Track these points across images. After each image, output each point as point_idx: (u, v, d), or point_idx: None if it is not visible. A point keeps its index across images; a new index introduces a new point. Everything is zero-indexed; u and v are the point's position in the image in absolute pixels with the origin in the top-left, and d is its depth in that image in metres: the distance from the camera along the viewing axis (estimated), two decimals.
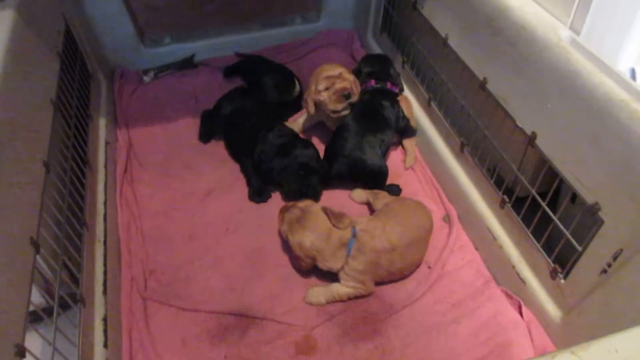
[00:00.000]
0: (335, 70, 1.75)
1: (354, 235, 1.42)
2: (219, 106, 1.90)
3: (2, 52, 1.23)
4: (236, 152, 1.86)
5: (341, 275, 1.44)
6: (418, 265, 1.52)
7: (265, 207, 1.70)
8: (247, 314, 1.43)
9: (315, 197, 1.67)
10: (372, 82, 1.83)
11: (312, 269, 1.48)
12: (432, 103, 1.76)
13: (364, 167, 1.67)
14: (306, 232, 1.41)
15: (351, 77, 1.78)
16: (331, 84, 1.73)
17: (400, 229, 1.44)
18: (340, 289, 1.44)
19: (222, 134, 1.91)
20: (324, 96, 1.73)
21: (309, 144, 1.72)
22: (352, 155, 1.67)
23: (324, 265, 1.43)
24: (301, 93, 2.04)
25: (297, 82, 2.04)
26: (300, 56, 2.31)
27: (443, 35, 1.60)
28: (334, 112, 1.74)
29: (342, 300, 1.44)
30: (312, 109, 1.78)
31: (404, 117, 1.81)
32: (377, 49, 2.18)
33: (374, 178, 1.69)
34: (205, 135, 1.94)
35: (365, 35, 2.28)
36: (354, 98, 1.74)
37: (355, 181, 1.71)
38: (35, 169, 1.23)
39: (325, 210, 1.45)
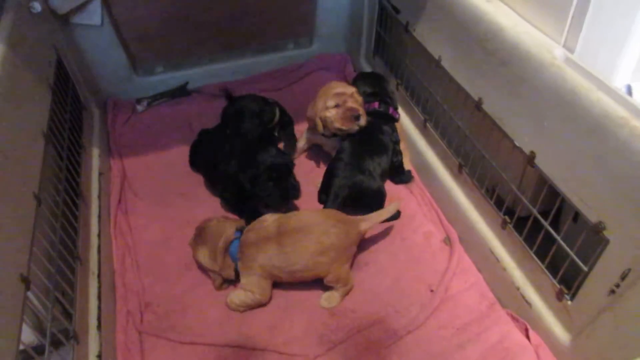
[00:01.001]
0: (348, 88, 1.72)
1: (238, 236, 1.46)
2: (199, 144, 1.91)
3: None
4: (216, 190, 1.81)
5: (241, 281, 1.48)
6: (330, 264, 1.43)
7: None
8: (246, 346, 1.39)
9: (298, 194, 1.64)
10: (376, 104, 1.81)
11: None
12: (427, 124, 1.75)
13: (362, 190, 1.64)
14: (200, 247, 1.49)
15: (361, 100, 1.75)
16: (342, 102, 1.69)
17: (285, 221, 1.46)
18: (234, 296, 1.47)
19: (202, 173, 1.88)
20: (332, 113, 1.69)
21: (265, 146, 1.69)
22: (351, 179, 1.64)
23: (224, 274, 1.48)
24: (285, 123, 2.01)
25: (276, 110, 1.97)
26: (293, 81, 2.32)
27: (436, 56, 1.60)
28: (339, 130, 1.71)
29: (247, 306, 1.46)
30: (320, 127, 1.74)
31: (400, 151, 1.80)
32: None
33: (372, 201, 1.67)
34: (195, 164, 1.92)
35: (358, 59, 2.28)
36: (362, 122, 1.69)
37: (354, 205, 1.68)
38: (26, 202, 1.20)
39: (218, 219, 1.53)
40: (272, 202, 1.64)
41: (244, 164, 1.65)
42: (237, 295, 1.46)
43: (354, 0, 2.20)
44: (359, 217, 1.51)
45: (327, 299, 1.48)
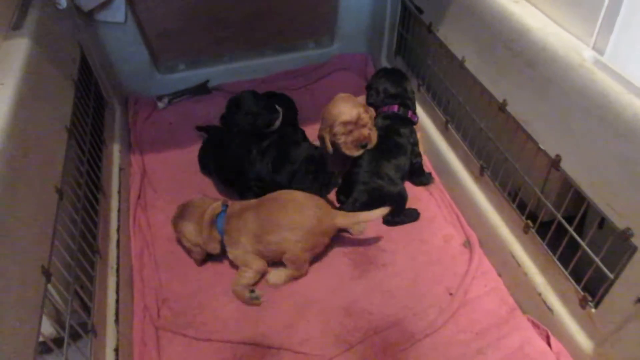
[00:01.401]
0: (353, 111, 1.63)
1: (224, 209, 1.52)
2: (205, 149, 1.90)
3: (18, 80, 1.22)
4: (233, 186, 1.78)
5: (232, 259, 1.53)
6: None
7: None
8: (262, 344, 1.38)
9: (336, 183, 1.64)
10: (395, 107, 1.79)
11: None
12: (449, 126, 1.73)
13: (382, 195, 1.63)
14: (185, 222, 1.52)
15: (368, 118, 1.67)
16: (348, 132, 1.65)
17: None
18: (235, 282, 1.50)
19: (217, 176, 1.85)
20: (341, 140, 1.66)
21: (297, 140, 1.68)
22: (371, 183, 1.63)
23: (209, 248, 1.51)
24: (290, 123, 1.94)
25: (277, 120, 1.87)
26: (313, 81, 2.31)
27: (460, 57, 1.58)
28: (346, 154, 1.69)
29: (249, 284, 1.50)
30: (330, 149, 1.70)
31: (419, 153, 1.79)
32: None
33: (393, 204, 1.65)
34: (205, 168, 1.90)
35: (379, 59, 2.27)
36: (371, 145, 1.67)
37: (372, 208, 1.66)
38: (48, 196, 1.21)
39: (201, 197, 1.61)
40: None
41: (277, 162, 1.62)
42: (237, 279, 1.50)
43: (376, 0, 2.19)
44: (340, 212, 1.57)
45: (275, 275, 1.53)
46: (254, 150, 1.67)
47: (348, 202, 1.65)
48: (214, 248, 1.52)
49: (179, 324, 1.43)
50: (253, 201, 1.55)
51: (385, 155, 1.68)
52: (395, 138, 1.73)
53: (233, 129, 1.85)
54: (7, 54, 1.30)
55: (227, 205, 1.55)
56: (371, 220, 1.58)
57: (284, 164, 1.61)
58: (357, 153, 1.68)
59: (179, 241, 1.59)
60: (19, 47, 1.33)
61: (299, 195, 1.53)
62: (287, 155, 1.61)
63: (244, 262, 1.51)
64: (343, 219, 1.53)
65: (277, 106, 1.89)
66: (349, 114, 1.64)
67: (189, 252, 1.58)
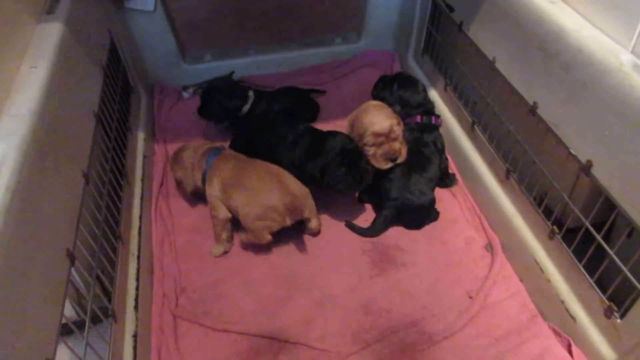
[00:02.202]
0: (385, 123, 1.58)
1: (220, 150, 1.65)
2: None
3: (50, 63, 1.23)
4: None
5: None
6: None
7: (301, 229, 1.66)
8: (279, 338, 1.38)
9: (370, 178, 1.57)
10: (418, 117, 1.76)
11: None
12: (475, 127, 1.70)
13: (412, 207, 1.61)
14: (184, 149, 1.68)
15: (400, 131, 1.63)
16: (379, 144, 1.59)
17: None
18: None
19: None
20: (370, 152, 1.61)
21: (329, 132, 1.62)
22: (401, 198, 1.60)
23: (195, 176, 1.63)
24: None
25: (248, 98, 1.95)
26: (339, 76, 2.30)
27: (490, 57, 1.56)
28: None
29: (221, 233, 1.59)
30: None
31: (446, 157, 1.77)
32: (417, 71, 2.14)
33: (422, 215, 1.65)
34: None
35: (405, 57, 2.25)
36: (401, 160, 1.62)
37: (401, 220, 1.66)
38: (75, 180, 1.22)
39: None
40: (345, 189, 1.57)
41: (310, 153, 1.58)
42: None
43: None
44: (311, 205, 1.57)
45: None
46: (289, 137, 1.65)
47: (378, 219, 1.63)
48: (197, 178, 1.63)
49: (197, 313, 1.44)
50: (243, 156, 1.65)
51: (416, 170, 1.64)
52: (423, 150, 1.69)
53: (211, 118, 1.97)
54: (40, 38, 1.31)
55: (224, 149, 1.68)
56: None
57: (317, 154, 1.56)
58: (385, 167, 1.62)
59: (174, 172, 1.71)
60: (52, 31, 1.34)
61: (280, 173, 1.55)
62: (321, 145, 1.56)
63: (213, 205, 1.59)
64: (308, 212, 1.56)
65: (249, 92, 1.96)
66: (381, 125, 1.59)
67: (179, 183, 1.70)
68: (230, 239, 1.62)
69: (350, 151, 1.54)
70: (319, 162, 1.55)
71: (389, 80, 1.89)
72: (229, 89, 1.95)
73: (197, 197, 1.74)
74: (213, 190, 1.58)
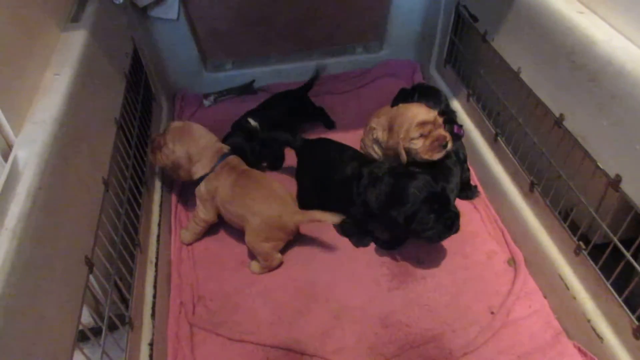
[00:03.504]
0: (430, 113, 1.55)
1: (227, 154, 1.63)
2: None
3: (74, 70, 1.24)
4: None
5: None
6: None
7: (319, 239, 1.64)
8: (295, 349, 1.36)
9: (459, 225, 1.46)
10: None
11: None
12: (499, 138, 1.67)
13: None
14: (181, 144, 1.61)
15: (441, 121, 1.59)
16: (427, 132, 1.54)
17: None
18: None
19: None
20: (418, 145, 1.54)
21: (408, 173, 1.47)
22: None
23: (202, 163, 1.59)
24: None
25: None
26: (360, 85, 2.29)
27: (515, 68, 1.53)
28: (424, 160, 1.57)
29: (199, 227, 1.63)
30: (404, 158, 1.58)
31: (468, 168, 1.74)
32: (440, 81, 2.12)
33: None
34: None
35: (427, 67, 2.23)
36: (450, 146, 1.56)
37: None
38: (95, 187, 1.23)
39: None
40: (434, 236, 1.46)
41: (392, 198, 1.44)
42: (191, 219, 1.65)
43: (429, 7, 2.15)
44: (298, 210, 1.57)
45: (254, 264, 1.57)
46: (365, 174, 1.52)
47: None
48: (195, 172, 1.60)
49: (214, 323, 1.43)
50: (245, 167, 1.62)
51: (438, 181, 1.56)
52: (445, 161, 1.63)
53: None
54: (64, 45, 1.33)
55: (231, 154, 1.65)
56: (325, 220, 1.53)
57: (401, 202, 1.42)
58: (438, 156, 1.55)
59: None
60: (76, 39, 1.35)
61: (274, 186, 1.59)
62: (404, 190, 1.42)
63: (203, 207, 1.60)
64: (301, 216, 1.55)
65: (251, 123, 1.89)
66: (426, 114, 1.55)
67: (177, 168, 1.62)
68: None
69: (439, 195, 1.42)
70: (404, 210, 1.40)
71: (409, 92, 1.86)
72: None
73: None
74: (208, 194, 1.58)
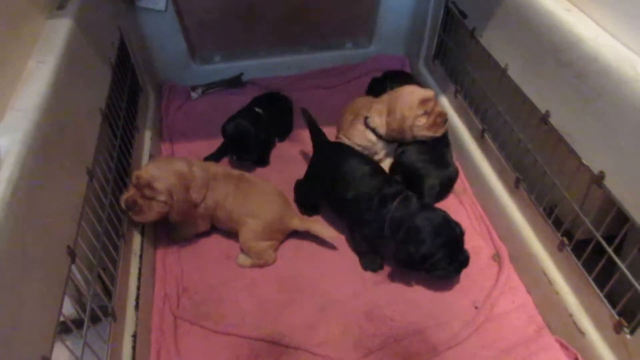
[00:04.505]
0: (428, 92, 1.65)
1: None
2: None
3: (58, 58, 1.22)
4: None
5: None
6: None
7: (306, 233, 1.64)
8: (280, 342, 1.36)
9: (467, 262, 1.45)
10: None
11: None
12: (485, 135, 1.68)
13: (450, 181, 1.75)
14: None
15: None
16: (430, 109, 1.62)
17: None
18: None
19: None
20: (422, 122, 1.63)
21: (428, 208, 1.43)
22: (441, 176, 1.70)
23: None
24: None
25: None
26: (348, 80, 2.28)
27: (502, 65, 1.53)
28: (426, 137, 1.68)
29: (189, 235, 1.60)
30: (410, 136, 1.67)
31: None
32: (428, 77, 2.12)
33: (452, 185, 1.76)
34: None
35: (416, 63, 2.23)
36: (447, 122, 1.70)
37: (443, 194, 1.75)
38: (78, 177, 1.21)
39: None
40: (442, 276, 1.44)
41: (408, 236, 1.39)
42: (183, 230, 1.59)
43: (418, 3, 2.15)
44: (297, 215, 1.62)
45: (242, 258, 1.56)
46: (388, 197, 1.44)
47: (426, 189, 1.67)
48: (197, 198, 1.51)
49: (198, 315, 1.42)
50: (238, 172, 1.61)
51: (443, 144, 1.74)
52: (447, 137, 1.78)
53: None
54: (49, 33, 1.30)
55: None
56: (321, 235, 1.57)
57: (417, 243, 1.37)
58: (441, 131, 1.67)
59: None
60: (62, 27, 1.33)
61: (273, 188, 1.62)
62: (424, 230, 1.37)
63: (201, 221, 1.57)
64: (299, 222, 1.58)
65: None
66: (425, 92, 1.64)
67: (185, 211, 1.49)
68: None
69: (456, 241, 1.40)
70: (422, 250, 1.37)
71: (380, 80, 1.98)
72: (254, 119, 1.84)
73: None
74: (207, 210, 1.55)
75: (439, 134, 1.68)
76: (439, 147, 1.72)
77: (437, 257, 1.37)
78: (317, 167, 1.66)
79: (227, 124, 1.83)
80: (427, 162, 1.69)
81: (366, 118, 1.74)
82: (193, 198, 1.49)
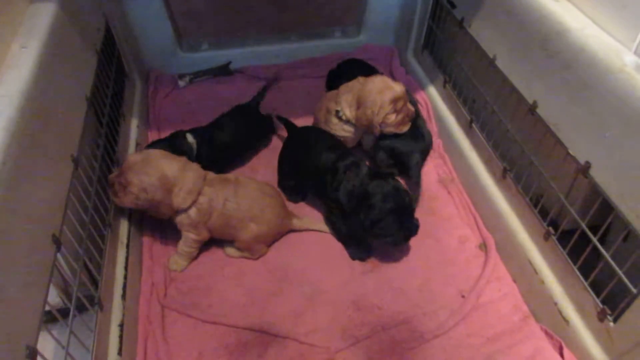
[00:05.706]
0: (398, 88, 1.63)
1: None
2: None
3: (41, 44, 1.20)
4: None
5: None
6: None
7: None
8: (268, 331, 1.36)
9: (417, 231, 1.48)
10: None
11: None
12: (473, 125, 1.69)
13: (428, 150, 1.83)
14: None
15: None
16: (399, 108, 1.64)
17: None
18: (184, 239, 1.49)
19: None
20: (391, 119, 1.64)
21: (379, 175, 1.47)
22: (420, 148, 1.76)
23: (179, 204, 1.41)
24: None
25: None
26: None
27: (491, 55, 1.54)
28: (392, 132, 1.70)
29: (194, 249, 1.51)
30: (378, 131, 1.68)
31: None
32: (417, 67, 2.12)
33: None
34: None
35: (405, 53, 2.23)
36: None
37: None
38: (63, 164, 1.19)
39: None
40: (392, 243, 1.49)
41: (357, 202, 1.44)
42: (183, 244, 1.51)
43: None
44: (294, 215, 1.62)
45: (231, 249, 1.55)
46: (340, 169, 1.50)
47: (412, 176, 1.71)
48: (190, 193, 1.41)
49: (185, 304, 1.42)
50: (234, 177, 1.54)
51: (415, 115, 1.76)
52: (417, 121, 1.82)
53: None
54: (32, 17, 1.28)
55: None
56: (318, 230, 1.62)
57: (367, 209, 1.42)
58: (405, 128, 1.69)
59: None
60: (45, 11, 1.31)
61: (271, 189, 1.60)
62: (373, 197, 1.42)
63: (198, 230, 1.47)
64: (298, 222, 1.60)
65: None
66: (396, 89, 1.63)
67: (156, 207, 1.41)
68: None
69: (405, 208, 1.44)
70: (371, 216, 1.41)
71: (336, 73, 2.02)
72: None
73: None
74: (203, 217, 1.45)
75: (404, 130, 1.69)
76: (412, 121, 1.73)
77: (385, 222, 1.40)
78: (286, 149, 1.74)
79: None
80: (407, 139, 1.72)
81: (337, 111, 1.72)
82: (174, 202, 1.40)
